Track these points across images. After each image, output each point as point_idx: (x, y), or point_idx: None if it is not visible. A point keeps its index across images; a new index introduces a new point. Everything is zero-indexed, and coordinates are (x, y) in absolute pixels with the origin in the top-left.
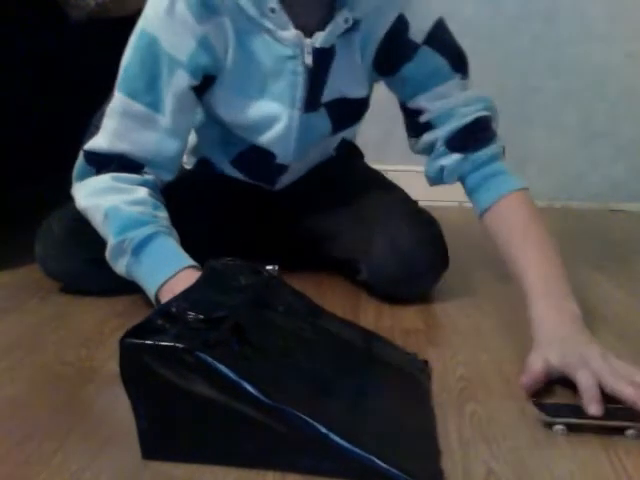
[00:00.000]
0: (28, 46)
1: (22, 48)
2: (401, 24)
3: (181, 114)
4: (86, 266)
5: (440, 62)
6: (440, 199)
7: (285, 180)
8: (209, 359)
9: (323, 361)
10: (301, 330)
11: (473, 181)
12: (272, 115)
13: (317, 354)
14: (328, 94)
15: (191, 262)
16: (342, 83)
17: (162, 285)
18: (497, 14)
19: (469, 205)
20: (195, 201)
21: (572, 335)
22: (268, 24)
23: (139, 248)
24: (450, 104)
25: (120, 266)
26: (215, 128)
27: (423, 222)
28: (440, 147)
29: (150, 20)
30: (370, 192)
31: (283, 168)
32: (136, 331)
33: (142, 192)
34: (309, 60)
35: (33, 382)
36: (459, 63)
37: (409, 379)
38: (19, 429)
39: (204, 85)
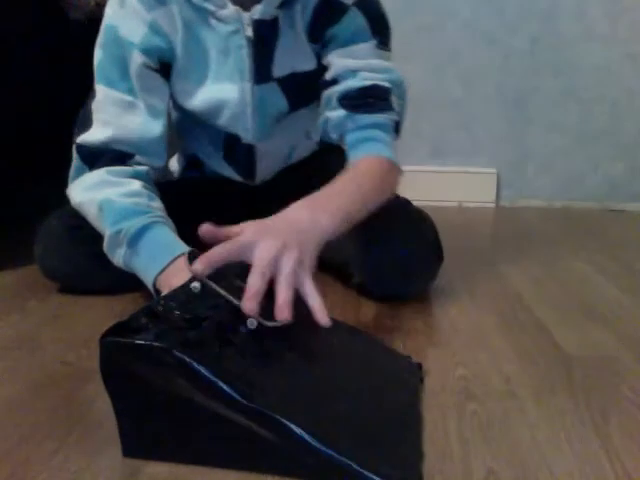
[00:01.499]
0: (29, 46)
1: (22, 48)
2: None
3: (149, 94)
4: (86, 262)
5: (362, 23)
6: (440, 199)
7: (263, 170)
8: (186, 358)
9: (310, 363)
10: (290, 331)
11: (350, 140)
12: (226, 94)
13: (303, 355)
14: (280, 69)
15: (186, 248)
16: (291, 57)
17: (159, 274)
18: (497, 14)
19: (469, 205)
20: (184, 207)
21: (295, 230)
22: (209, 6)
23: (135, 239)
24: (356, 65)
25: (118, 257)
26: (203, 128)
27: (413, 219)
28: (334, 102)
29: (109, 15)
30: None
31: (251, 150)
32: (117, 329)
33: (136, 184)
34: (249, 32)
35: (33, 382)
36: (380, 29)
37: (400, 382)
38: (19, 429)
39: (163, 72)
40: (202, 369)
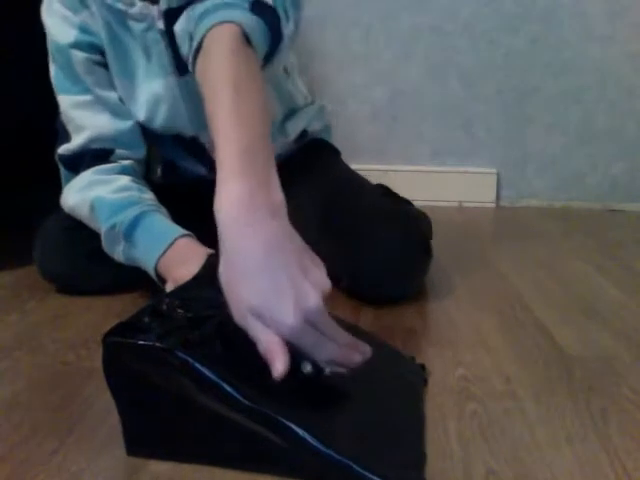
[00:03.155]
0: (29, 46)
1: (23, 48)
2: None
3: (104, 89)
4: (84, 262)
5: None
6: (440, 199)
7: None
8: (189, 359)
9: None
10: None
11: (189, 26)
12: (155, 91)
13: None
14: None
15: (183, 232)
16: None
17: (159, 260)
18: (497, 14)
19: (469, 205)
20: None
21: (261, 255)
22: (120, 6)
23: (130, 230)
24: None
25: (118, 253)
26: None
27: (398, 217)
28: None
29: (46, 28)
30: (341, 193)
31: (196, 142)
32: (119, 329)
33: (124, 179)
34: (161, 25)
35: (33, 382)
36: None
37: (403, 383)
38: (19, 429)
39: (107, 67)
40: (205, 370)
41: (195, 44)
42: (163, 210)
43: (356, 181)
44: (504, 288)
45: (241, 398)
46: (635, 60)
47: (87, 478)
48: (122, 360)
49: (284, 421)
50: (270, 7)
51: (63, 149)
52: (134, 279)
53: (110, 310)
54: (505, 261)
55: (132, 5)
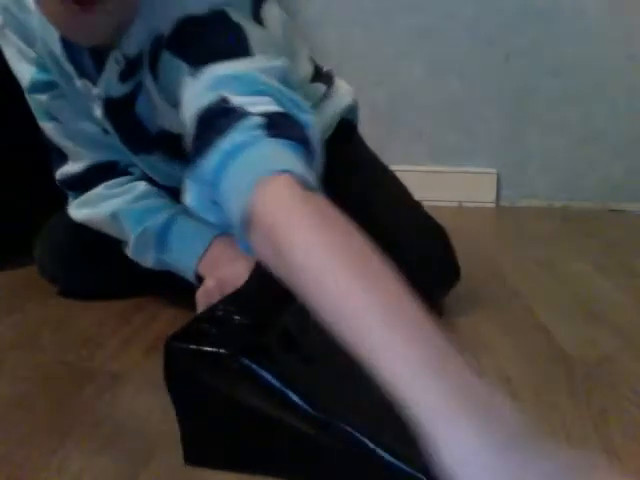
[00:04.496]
0: None
1: None
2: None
3: (77, 120)
4: (85, 262)
5: (178, 64)
6: (440, 199)
7: None
8: (253, 365)
9: None
10: None
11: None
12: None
13: None
14: (153, 129)
15: (218, 230)
16: (162, 119)
17: (199, 261)
18: (497, 14)
19: (469, 205)
20: None
21: None
22: (69, 69)
23: (163, 234)
24: (188, 108)
25: (148, 259)
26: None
27: (429, 233)
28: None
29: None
30: (364, 195)
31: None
32: (181, 335)
33: (141, 186)
34: (98, 112)
35: (33, 382)
36: (197, 57)
37: None
38: (19, 429)
39: None
40: (269, 376)
41: (240, 222)
42: (189, 212)
43: (381, 181)
44: (504, 288)
45: (306, 406)
46: (635, 60)
47: (87, 478)
48: (185, 366)
49: (355, 434)
50: (279, 113)
51: (62, 174)
52: (137, 286)
53: (110, 310)
54: (505, 261)
55: (74, 77)
